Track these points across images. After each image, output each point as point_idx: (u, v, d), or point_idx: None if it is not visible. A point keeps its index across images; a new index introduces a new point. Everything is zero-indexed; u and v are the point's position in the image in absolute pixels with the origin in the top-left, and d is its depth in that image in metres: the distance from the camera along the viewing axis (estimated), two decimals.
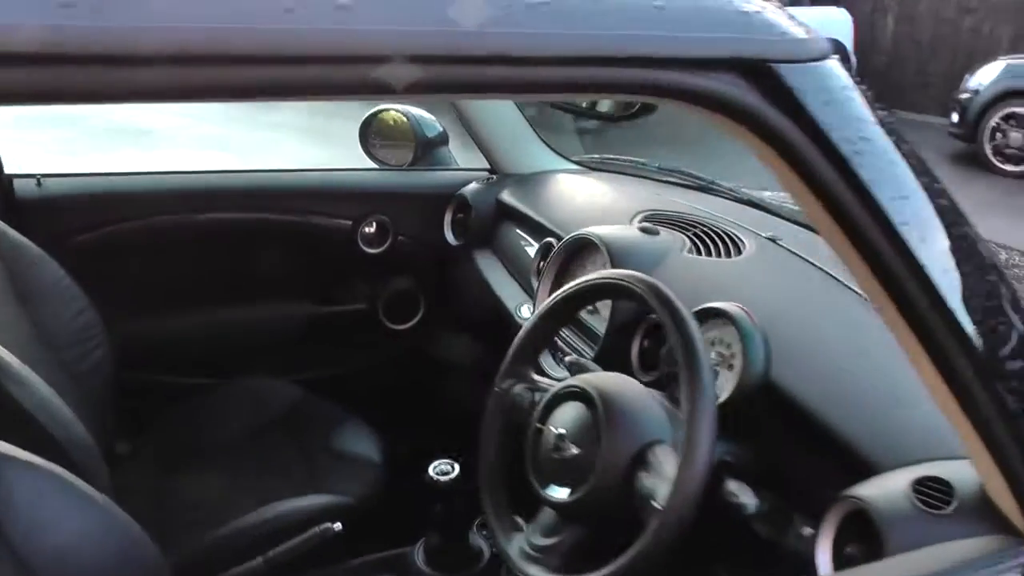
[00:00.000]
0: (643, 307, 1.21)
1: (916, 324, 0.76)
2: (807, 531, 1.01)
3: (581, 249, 1.52)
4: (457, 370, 2.29)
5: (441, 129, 2.19)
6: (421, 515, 1.49)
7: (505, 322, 1.77)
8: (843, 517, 0.97)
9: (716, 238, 1.51)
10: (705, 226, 1.56)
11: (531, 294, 1.73)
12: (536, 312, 1.20)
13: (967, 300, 0.75)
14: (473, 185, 2.09)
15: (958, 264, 0.74)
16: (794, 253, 1.50)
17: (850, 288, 1.35)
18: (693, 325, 0.97)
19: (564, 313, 1.19)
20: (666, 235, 1.51)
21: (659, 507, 0.90)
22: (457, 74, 0.56)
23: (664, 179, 2.06)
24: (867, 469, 0.99)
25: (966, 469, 0.93)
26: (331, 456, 1.61)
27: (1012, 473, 0.83)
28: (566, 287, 1.16)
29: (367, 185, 2.03)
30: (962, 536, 0.87)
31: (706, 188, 1.95)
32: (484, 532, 1.60)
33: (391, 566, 1.54)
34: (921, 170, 0.74)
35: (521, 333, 1.20)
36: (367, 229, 2.00)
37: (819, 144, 0.68)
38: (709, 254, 1.47)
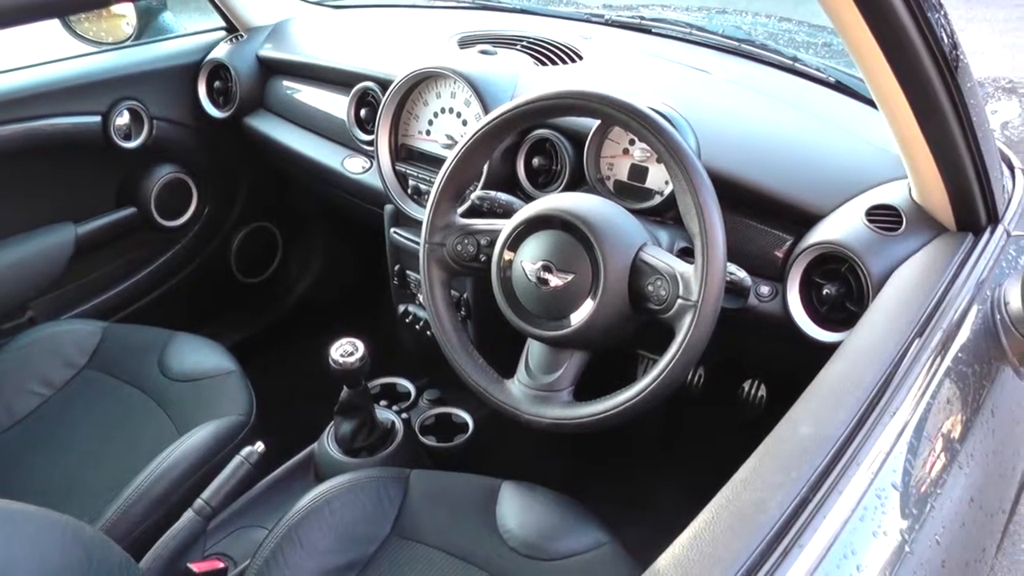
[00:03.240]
0: (606, 121, 1.16)
1: (893, 51, 0.81)
2: (764, 290, 1.10)
3: (417, 84, 1.40)
4: (262, 250, 2.08)
5: None
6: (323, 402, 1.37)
7: (325, 178, 1.60)
8: (806, 265, 1.06)
9: (547, 49, 1.47)
10: (529, 39, 1.50)
11: (351, 146, 1.57)
12: (459, 147, 1.06)
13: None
14: (223, 47, 1.79)
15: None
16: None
17: (703, 71, 1.40)
18: (665, 123, 0.94)
19: (493, 141, 1.07)
20: (504, 54, 1.43)
21: (692, 301, 0.90)
22: None
23: (432, 5, 1.93)
24: (810, 218, 1.08)
25: (897, 190, 1.05)
26: (183, 381, 1.37)
27: (958, 183, 0.95)
28: (501, 109, 1.03)
29: (103, 71, 1.64)
30: (918, 247, 1.00)
31: (485, 6, 1.87)
32: (395, 407, 1.52)
33: (305, 466, 1.41)
34: None
35: (444, 176, 1.08)
36: (119, 121, 1.65)
37: None
38: (554, 64, 1.42)
